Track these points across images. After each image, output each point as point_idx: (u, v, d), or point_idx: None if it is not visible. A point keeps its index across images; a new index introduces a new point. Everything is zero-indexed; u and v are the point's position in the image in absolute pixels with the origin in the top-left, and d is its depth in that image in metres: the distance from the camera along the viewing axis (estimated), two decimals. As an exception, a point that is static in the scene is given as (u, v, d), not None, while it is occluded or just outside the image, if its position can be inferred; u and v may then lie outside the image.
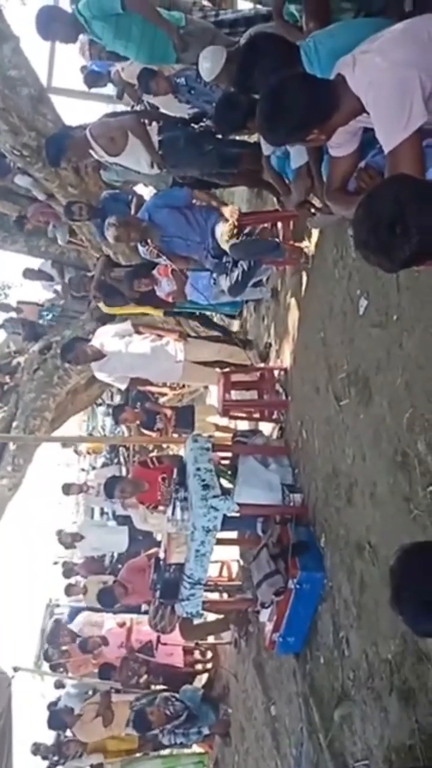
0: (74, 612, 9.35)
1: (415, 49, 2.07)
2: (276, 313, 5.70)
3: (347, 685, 3.70)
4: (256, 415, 6.01)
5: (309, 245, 4.69)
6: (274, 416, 5.64)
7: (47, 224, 7.88)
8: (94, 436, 13.32)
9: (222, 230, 4.86)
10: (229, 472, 4.95)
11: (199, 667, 7.53)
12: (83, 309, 8.25)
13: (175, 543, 4.92)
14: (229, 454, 5.20)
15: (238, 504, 4.59)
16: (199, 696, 6.72)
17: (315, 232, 4.55)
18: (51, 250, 8.67)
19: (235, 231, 4.77)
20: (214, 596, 6.05)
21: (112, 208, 5.74)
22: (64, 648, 8.32)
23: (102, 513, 12.00)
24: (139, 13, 4.25)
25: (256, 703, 5.62)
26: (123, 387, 7.10)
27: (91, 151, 4.86)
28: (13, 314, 9.63)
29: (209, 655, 7.48)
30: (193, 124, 4.76)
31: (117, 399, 11.05)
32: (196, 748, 7.15)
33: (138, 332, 6.14)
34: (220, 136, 4.66)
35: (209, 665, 7.44)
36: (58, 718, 7.03)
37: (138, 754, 6.92)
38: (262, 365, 6.00)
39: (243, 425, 6.46)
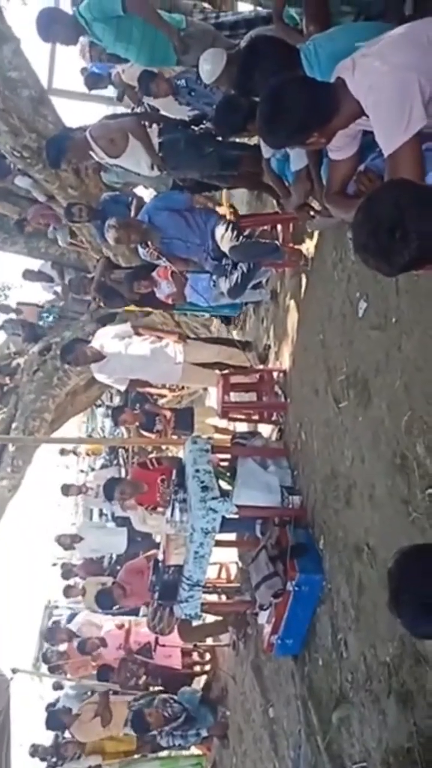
0: (72, 617, 9.34)
1: (415, 53, 2.07)
2: (275, 315, 5.70)
3: (345, 687, 3.70)
4: (255, 417, 6.01)
5: (308, 248, 4.69)
6: (273, 418, 5.65)
7: (47, 226, 7.89)
8: (94, 437, 13.32)
9: (221, 232, 4.87)
10: (228, 474, 4.95)
11: (197, 669, 7.53)
12: (83, 310, 8.26)
13: (173, 544, 4.93)
14: (228, 456, 5.20)
15: (237, 506, 4.59)
16: (198, 698, 6.73)
17: (314, 235, 4.55)
18: (51, 251, 8.68)
19: (233, 229, 4.77)
20: (213, 598, 6.05)
21: (112, 209, 5.75)
22: (62, 649, 8.32)
23: (101, 514, 11.99)
24: (139, 16, 4.26)
25: (255, 705, 5.62)
26: (122, 388, 7.10)
27: (91, 153, 4.86)
28: (13, 315, 9.64)
29: (207, 657, 7.48)
30: (193, 127, 4.76)
31: (116, 400, 11.05)
32: (194, 750, 7.14)
33: (138, 334, 6.15)
34: (220, 139, 4.67)
35: (207, 667, 7.44)
36: (56, 718, 7.03)
37: (136, 756, 6.91)
38: (261, 367, 6.01)
39: (242, 427, 6.46)
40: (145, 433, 7.32)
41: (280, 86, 2.26)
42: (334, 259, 4.14)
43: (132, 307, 6.24)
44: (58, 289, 9.29)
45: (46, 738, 8.60)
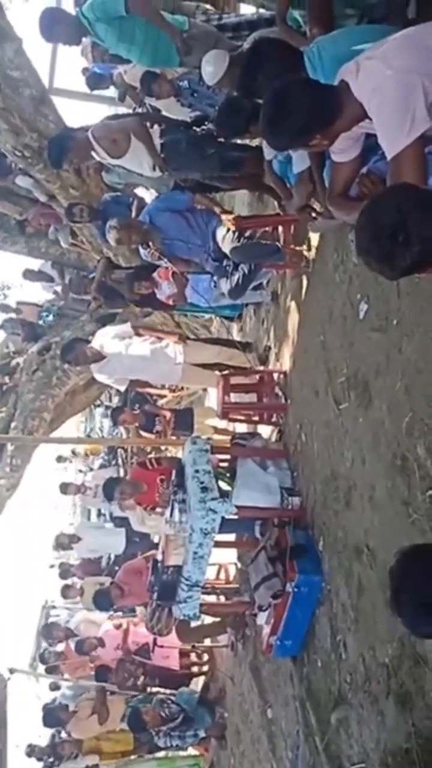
0: (70, 617, 9.35)
1: (418, 56, 2.08)
2: (276, 316, 5.71)
3: (344, 688, 3.71)
4: (255, 418, 6.01)
5: (309, 249, 4.70)
6: (273, 419, 5.65)
7: (48, 227, 7.89)
8: (92, 437, 13.32)
9: (222, 233, 4.88)
10: (228, 475, 4.96)
11: (195, 669, 7.53)
12: (83, 310, 8.26)
13: (173, 545, 4.93)
14: (227, 457, 5.20)
15: (237, 506, 4.59)
16: (196, 699, 6.73)
17: (315, 237, 4.56)
18: (51, 251, 8.67)
19: (234, 230, 4.78)
20: (212, 599, 6.05)
21: (113, 210, 5.76)
22: (60, 650, 8.31)
23: (99, 514, 12.00)
24: (142, 17, 4.27)
25: (253, 706, 5.62)
26: (122, 389, 7.11)
27: (93, 153, 4.87)
28: (13, 315, 9.63)
29: (206, 657, 7.48)
30: (195, 128, 4.77)
31: (115, 400, 11.06)
32: (192, 751, 7.14)
33: (138, 334, 6.15)
34: (222, 140, 4.67)
35: (205, 668, 7.44)
36: (53, 715, 7.04)
37: (133, 756, 6.91)
38: (261, 368, 6.01)
39: (242, 428, 6.47)
40: (145, 434, 7.33)
41: (284, 88, 2.26)
42: (335, 260, 4.14)
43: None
44: (58, 288, 9.30)
45: (43, 738, 8.62)
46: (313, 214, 3.58)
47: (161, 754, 7.16)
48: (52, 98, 6.44)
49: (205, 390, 8.35)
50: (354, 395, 3.72)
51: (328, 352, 4.20)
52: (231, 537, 5.75)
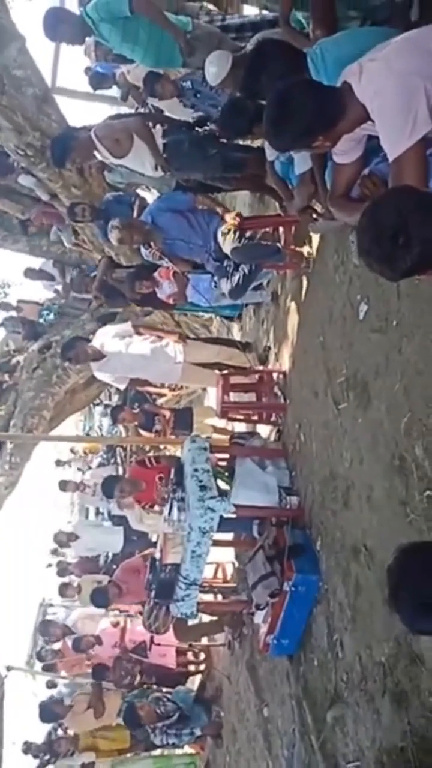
0: (68, 616, 9.36)
1: (420, 59, 2.10)
2: (276, 316, 5.73)
3: (340, 687, 3.73)
4: (254, 418, 6.03)
5: (310, 250, 4.72)
6: (272, 419, 5.67)
7: (51, 226, 7.91)
8: (92, 436, 13.33)
9: (223, 232, 4.89)
10: (227, 474, 4.97)
11: (192, 668, 7.55)
12: (84, 308, 8.28)
13: (171, 543, 4.95)
14: (226, 456, 5.22)
15: (235, 505, 4.60)
16: (192, 697, 6.75)
17: (316, 238, 4.58)
18: (53, 249, 8.70)
19: (235, 231, 4.79)
20: (209, 598, 6.07)
21: (115, 210, 5.77)
22: (57, 648, 8.33)
23: (97, 513, 12.02)
24: (146, 17, 4.29)
25: (249, 704, 5.64)
26: (122, 387, 7.13)
27: (95, 153, 4.89)
28: (14, 313, 9.65)
29: (202, 656, 7.50)
30: (197, 128, 4.79)
31: (115, 399, 11.07)
32: (188, 749, 7.16)
33: (138, 333, 6.17)
34: (224, 141, 4.69)
35: (202, 666, 7.45)
36: (49, 710, 7.05)
37: (129, 754, 6.92)
38: (261, 368, 6.03)
39: (241, 427, 6.49)
40: (144, 433, 7.35)
41: (287, 90, 2.28)
42: (335, 261, 4.16)
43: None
44: (59, 287, 9.32)
45: (40, 736, 8.63)
46: (314, 215, 3.60)
47: (157, 752, 7.18)
48: (55, 97, 6.45)
49: (204, 389, 8.37)
50: (353, 396, 3.74)
51: (328, 352, 4.21)
52: (229, 536, 5.77)
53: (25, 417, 8.08)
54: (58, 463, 12.02)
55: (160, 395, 8.35)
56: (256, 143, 4.72)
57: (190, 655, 7.55)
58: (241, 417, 6.21)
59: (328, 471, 4.12)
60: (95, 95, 7.85)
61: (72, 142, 4.88)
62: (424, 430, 2.91)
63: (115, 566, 8.52)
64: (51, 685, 8.93)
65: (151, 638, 6.84)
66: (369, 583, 3.45)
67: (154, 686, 6.78)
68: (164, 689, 6.76)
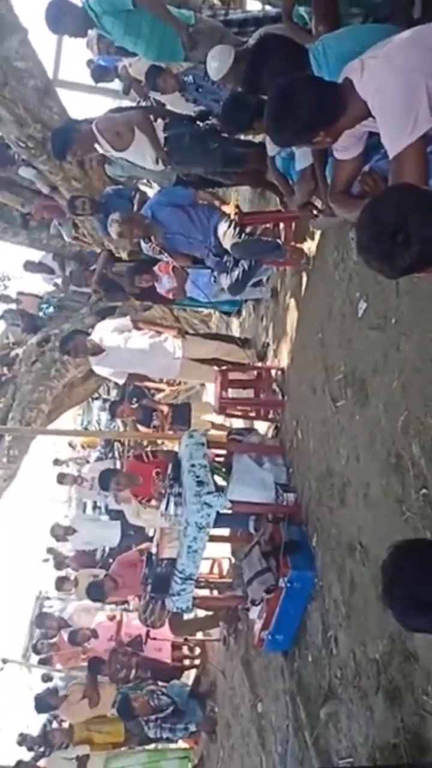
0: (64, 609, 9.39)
1: (422, 56, 2.09)
2: (275, 313, 5.72)
3: (334, 683, 3.73)
4: (252, 414, 6.04)
5: (310, 247, 4.71)
6: (270, 415, 5.67)
7: (51, 220, 7.89)
8: (90, 430, 13.34)
9: (223, 229, 4.89)
10: (224, 470, 4.98)
11: (187, 662, 7.57)
12: (83, 302, 8.27)
13: (167, 538, 4.96)
14: (223, 452, 5.22)
15: (231, 501, 4.62)
16: (187, 691, 6.77)
17: (316, 234, 4.57)
18: (52, 243, 8.68)
19: (235, 226, 4.78)
20: (205, 593, 6.07)
21: (116, 203, 5.76)
22: (53, 640, 8.35)
23: (95, 507, 12.02)
24: (149, 10, 4.28)
25: (243, 700, 5.65)
26: (121, 382, 7.13)
27: (96, 146, 4.87)
28: (13, 306, 9.64)
29: (197, 651, 7.52)
30: (199, 122, 4.78)
31: (113, 394, 11.07)
32: (182, 744, 7.18)
33: (137, 328, 6.16)
34: (225, 135, 4.68)
35: (197, 661, 7.47)
36: (44, 701, 7.09)
37: (124, 748, 6.95)
38: (259, 364, 6.03)
39: (238, 423, 6.49)
40: (142, 428, 7.35)
41: (289, 85, 2.28)
42: (335, 258, 4.16)
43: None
44: (59, 281, 9.30)
45: (34, 728, 8.66)
46: (315, 212, 3.59)
47: (151, 746, 7.20)
48: (57, 90, 6.43)
49: (203, 385, 8.37)
50: (351, 393, 3.74)
51: (326, 349, 4.21)
52: (225, 532, 5.77)
53: (24, 410, 8.07)
54: (57, 462, 11.97)
55: (159, 390, 8.36)
56: (258, 138, 4.71)
57: (185, 650, 7.58)
58: (239, 413, 6.22)
59: (325, 468, 4.13)
60: (97, 88, 7.82)
61: (73, 134, 4.87)
62: (421, 428, 2.91)
63: (111, 560, 8.53)
64: (46, 678, 8.96)
65: (147, 632, 6.87)
66: (364, 581, 3.46)
67: (149, 680, 6.80)
68: (159, 683, 6.78)
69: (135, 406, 7.63)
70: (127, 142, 4.75)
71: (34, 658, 9.63)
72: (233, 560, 6.40)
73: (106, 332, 6.03)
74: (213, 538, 5.02)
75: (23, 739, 7.75)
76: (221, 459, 5.15)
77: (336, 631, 3.79)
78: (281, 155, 3.71)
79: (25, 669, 10.83)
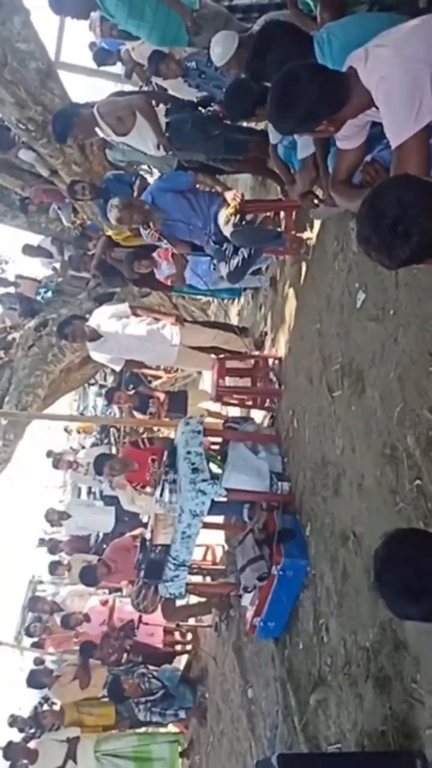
0: (57, 593, 9.45)
1: (427, 46, 2.09)
2: (273, 302, 5.72)
3: (324, 671, 3.77)
4: (249, 403, 6.05)
5: (310, 236, 4.70)
6: (267, 404, 5.68)
7: (50, 204, 7.86)
8: (86, 415, 13.34)
9: (223, 215, 4.87)
10: (219, 458, 5.00)
11: (178, 648, 7.62)
12: (81, 287, 8.25)
13: (162, 524, 4.98)
14: (219, 440, 5.24)
15: (226, 489, 4.63)
16: (178, 676, 6.82)
17: (317, 224, 4.56)
18: (51, 227, 8.65)
19: (236, 213, 4.77)
20: (198, 579, 6.11)
21: (116, 189, 5.74)
22: (46, 623, 8.40)
23: (89, 492, 12.06)
24: (153, -6, 4.25)
25: (234, 685, 5.70)
26: (118, 369, 7.12)
27: (97, 130, 4.84)
28: (11, 289, 9.61)
29: (189, 636, 7.57)
30: (201, 108, 4.75)
31: (110, 380, 11.07)
32: (172, 728, 7.25)
33: (135, 314, 6.15)
34: (227, 122, 4.66)
35: (189, 647, 7.53)
36: (37, 678, 7.16)
37: (114, 731, 7.01)
38: (257, 353, 6.03)
39: (235, 412, 6.50)
40: (138, 415, 7.36)
41: (293, 73, 2.27)
42: (335, 249, 4.15)
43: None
44: (57, 265, 9.27)
45: (26, 710, 8.74)
46: (316, 201, 3.59)
47: (141, 730, 7.26)
48: (59, 72, 6.39)
49: (200, 373, 8.37)
50: (347, 383, 3.75)
51: (324, 339, 4.22)
52: (220, 519, 5.80)
53: (20, 394, 8.07)
54: (50, 454, 11.94)
55: (156, 377, 8.36)
56: (260, 126, 4.69)
57: (177, 635, 7.63)
58: (236, 402, 6.23)
59: (320, 458, 4.14)
60: (99, 71, 7.79)
61: (74, 118, 4.83)
62: (417, 420, 2.92)
63: (105, 546, 8.57)
64: (39, 662, 9.01)
65: (139, 617, 6.91)
66: (356, 570, 3.48)
67: (141, 664, 6.86)
68: (150, 667, 6.83)
69: (131, 392, 7.63)
70: (129, 126, 4.72)
71: (27, 642, 9.68)
72: (227, 547, 6.43)
73: (103, 318, 6.01)
74: (207, 526, 5.04)
75: (14, 721, 7.82)
76: (217, 447, 5.16)
77: (327, 619, 3.82)
78: (283, 143, 3.70)
79: (17, 652, 10.89)
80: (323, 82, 2.23)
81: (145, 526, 6.89)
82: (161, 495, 4.85)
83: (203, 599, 6.40)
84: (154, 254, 5.49)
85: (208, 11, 4.47)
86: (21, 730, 7.85)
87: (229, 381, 5.91)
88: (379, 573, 1.75)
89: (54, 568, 9.70)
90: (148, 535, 5.17)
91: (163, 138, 4.74)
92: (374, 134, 2.43)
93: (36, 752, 6.57)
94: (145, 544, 5.07)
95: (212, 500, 4.59)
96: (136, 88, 6.18)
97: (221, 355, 6.05)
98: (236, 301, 7.00)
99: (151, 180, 6.06)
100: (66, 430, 14.38)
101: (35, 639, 8.85)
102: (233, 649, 5.74)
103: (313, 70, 2.35)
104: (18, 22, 5.71)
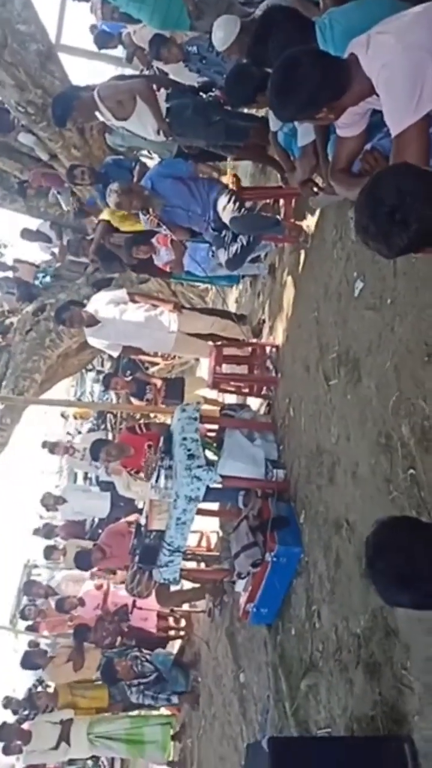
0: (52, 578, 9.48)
1: (429, 33, 2.07)
2: (272, 290, 5.72)
3: (316, 656, 3.80)
4: (245, 390, 6.06)
5: (309, 224, 4.69)
6: (263, 392, 5.70)
7: (49, 189, 7.82)
8: (83, 401, 13.33)
9: (223, 203, 4.85)
10: (215, 445, 5.01)
11: (172, 633, 7.68)
12: (80, 272, 8.22)
13: (157, 510, 4.99)
14: (215, 427, 5.25)
15: (222, 476, 4.65)
16: (171, 660, 6.88)
17: (316, 212, 4.55)
18: (50, 211, 8.60)
19: (235, 200, 4.75)
20: (192, 565, 6.15)
21: (115, 173, 5.71)
22: (41, 607, 8.44)
23: (85, 478, 12.07)
24: (155, -24, 4.21)
25: (226, 670, 5.75)
26: (115, 354, 7.12)
27: (97, 113, 4.81)
28: (9, 273, 9.57)
29: (183, 622, 7.62)
30: (202, 93, 4.72)
31: (107, 366, 11.06)
32: (164, 711, 7.31)
33: (133, 301, 6.15)
34: (228, 108, 4.63)
35: (182, 632, 7.58)
36: (31, 659, 7.21)
37: (107, 714, 7.07)
38: (254, 341, 6.03)
39: (231, 399, 6.51)
40: (135, 401, 7.36)
41: (294, 58, 2.25)
42: (334, 237, 4.15)
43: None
44: (56, 250, 9.23)
45: (21, 692, 8.80)
46: (315, 189, 3.58)
47: (134, 712, 7.33)
48: (59, 55, 6.34)
49: (197, 360, 8.37)
50: (344, 372, 3.75)
51: (322, 328, 4.22)
52: (215, 506, 5.82)
53: (17, 379, 8.06)
54: (45, 444, 11.92)
55: (153, 364, 8.36)
56: (261, 113, 4.66)
57: (170, 620, 7.68)
58: (233, 389, 6.23)
59: (316, 446, 4.16)
60: (100, 54, 7.72)
61: (74, 101, 4.80)
62: (412, 410, 2.93)
63: (100, 531, 8.59)
64: (33, 645, 9.07)
65: (133, 602, 6.95)
66: (349, 557, 3.51)
67: (134, 647, 6.91)
68: (144, 650, 6.89)
69: (129, 378, 7.64)
70: (129, 111, 4.69)
71: (21, 625, 9.74)
72: (221, 534, 6.46)
73: (101, 304, 6.00)
74: (202, 512, 5.07)
75: (8, 702, 7.88)
76: (213, 434, 5.17)
77: (319, 605, 3.85)
78: (283, 131, 3.68)
79: (12, 635, 10.96)
80: (324, 68, 2.22)
81: (140, 511, 6.92)
82: (156, 481, 4.87)
83: (197, 585, 6.44)
84: (153, 240, 5.48)
85: (210, -5, 4.44)
86: (15, 712, 7.91)
87: (226, 368, 5.91)
88: (371, 560, 1.76)
89: (49, 552, 9.73)
90: (143, 521, 5.19)
91: (164, 123, 4.71)
92: (374, 122, 2.42)
93: (29, 733, 6.63)
94: (140, 529, 5.09)
95: (207, 487, 4.61)
96: (137, 72, 6.13)
97: (219, 343, 6.05)
98: (235, 288, 6.98)
99: (151, 164, 6.03)
100: (63, 415, 14.37)
101: (30, 622, 8.89)
102: (226, 635, 5.79)
103: (314, 55, 2.34)
104: (18, 3, 5.67)
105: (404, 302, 3.11)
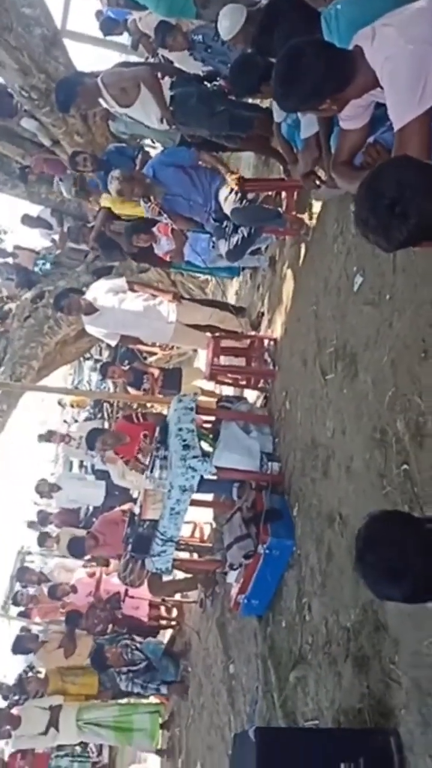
0: (44, 564, 9.52)
1: (433, 27, 2.06)
2: (271, 282, 5.71)
3: (305, 649, 3.82)
4: (243, 382, 6.06)
5: (311, 217, 4.68)
6: (260, 385, 5.70)
7: (52, 176, 7.77)
8: (80, 389, 13.32)
9: (225, 193, 4.83)
10: (211, 436, 5.01)
11: (163, 622, 7.70)
12: (80, 259, 8.20)
13: (151, 500, 5.00)
14: (212, 418, 5.25)
15: (217, 467, 4.66)
16: (161, 649, 6.91)
17: (318, 205, 4.54)
18: (51, 197, 8.56)
19: (237, 192, 4.73)
20: (185, 555, 6.16)
21: (117, 161, 5.69)
22: (33, 593, 8.46)
23: (81, 466, 12.08)
24: (162, -37, 4.18)
25: (216, 661, 5.78)
26: (113, 343, 7.11)
27: (101, 100, 4.78)
28: (9, 259, 9.53)
29: (174, 612, 7.65)
30: (206, 83, 4.69)
31: (105, 355, 11.04)
32: (153, 699, 7.35)
33: (132, 290, 6.13)
34: (232, 98, 4.60)
35: (173, 622, 7.61)
36: (22, 643, 7.24)
37: (97, 701, 7.10)
38: (252, 333, 6.03)
39: (228, 391, 6.51)
40: (132, 390, 7.36)
41: (298, 49, 2.24)
42: (334, 231, 4.13)
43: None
44: (56, 237, 9.20)
45: (11, 678, 8.84)
46: (317, 182, 3.56)
47: (123, 701, 7.37)
48: (64, 41, 6.30)
49: (195, 351, 8.36)
50: (341, 366, 3.75)
51: (320, 322, 4.22)
52: (209, 497, 5.83)
53: (14, 365, 8.04)
54: (41, 438, 11.89)
55: (151, 354, 8.34)
56: (265, 104, 4.64)
57: (162, 610, 7.71)
58: (230, 381, 6.24)
59: (311, 439, 4.16)
60: (105, 41, 7.67)
61: (78, 87, 4.77)
62: (408, 405, 2.93)
63: (94, 519, 8.61)
64: (25, 631, 9.10)
65: (126, 590, 6.97)
66: (341, 551, 3.52)
67: (126, 635, 6.94)
68: (135, 638, 6.92)
69: (126, 368, 7.63)
70: (133, 98, 4.66)
71: (14, 611, 9.76)
72: (214, 525, 6.48)
73: (100, 292, 5.99)
74: (196, 503, 5.07)
75: (-1, 687, 7.92)
76: (209, 425, 5.18)
77: (310, 598, 3.86)
78: (287, 122, 3.66)
79: (4, 620, 10.99)
80: (329, 58, 2.21)
81: (134, 501, 6.93)
82: (151, 471, 4.87)
83: (189, 575, 6.47)
84: (154, 229, 5.46)
85: (216, -17, 4.40)
86: (5, 697, 7.95)
87: (223, 360, 5.91)
88: (361, 553, 1.77)
89: (43, 539, 9.75)
90: (137, 510, 5.20)
91: (167, 111, 4.69)
92: (377, 116, 2.41)
93: (19, 718, 6.67)
94: (133, 518, 5.10)
95: (202, 478, 4.62)
96: (142, 60, 6.09)
97: (217, 334, 6.04)
98: (235, 280, 6.97)
99: (153, 153, 6.00)
100: (60, 403, 14.35)
101: (22, 608, 8.92)
102: (217, 625, 5.81)
103: (318, 46, 2.32)
104: (24, -14, 5.62)
105: (403, 298, 3.11)
